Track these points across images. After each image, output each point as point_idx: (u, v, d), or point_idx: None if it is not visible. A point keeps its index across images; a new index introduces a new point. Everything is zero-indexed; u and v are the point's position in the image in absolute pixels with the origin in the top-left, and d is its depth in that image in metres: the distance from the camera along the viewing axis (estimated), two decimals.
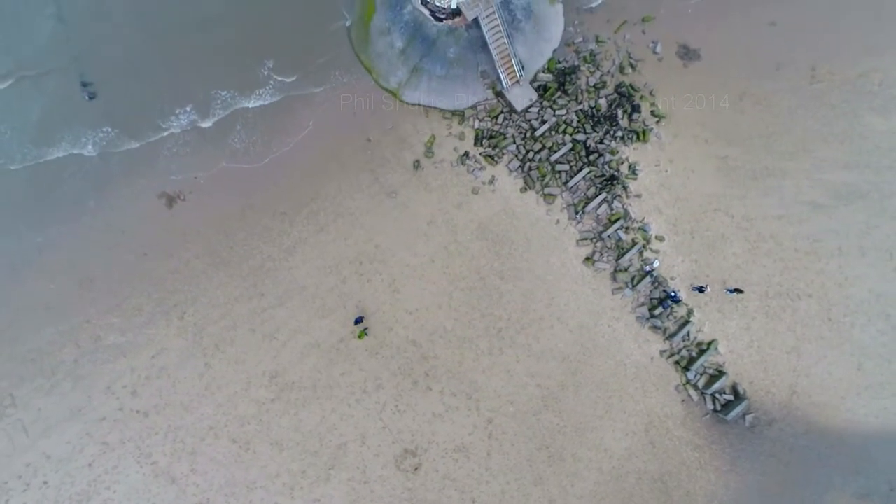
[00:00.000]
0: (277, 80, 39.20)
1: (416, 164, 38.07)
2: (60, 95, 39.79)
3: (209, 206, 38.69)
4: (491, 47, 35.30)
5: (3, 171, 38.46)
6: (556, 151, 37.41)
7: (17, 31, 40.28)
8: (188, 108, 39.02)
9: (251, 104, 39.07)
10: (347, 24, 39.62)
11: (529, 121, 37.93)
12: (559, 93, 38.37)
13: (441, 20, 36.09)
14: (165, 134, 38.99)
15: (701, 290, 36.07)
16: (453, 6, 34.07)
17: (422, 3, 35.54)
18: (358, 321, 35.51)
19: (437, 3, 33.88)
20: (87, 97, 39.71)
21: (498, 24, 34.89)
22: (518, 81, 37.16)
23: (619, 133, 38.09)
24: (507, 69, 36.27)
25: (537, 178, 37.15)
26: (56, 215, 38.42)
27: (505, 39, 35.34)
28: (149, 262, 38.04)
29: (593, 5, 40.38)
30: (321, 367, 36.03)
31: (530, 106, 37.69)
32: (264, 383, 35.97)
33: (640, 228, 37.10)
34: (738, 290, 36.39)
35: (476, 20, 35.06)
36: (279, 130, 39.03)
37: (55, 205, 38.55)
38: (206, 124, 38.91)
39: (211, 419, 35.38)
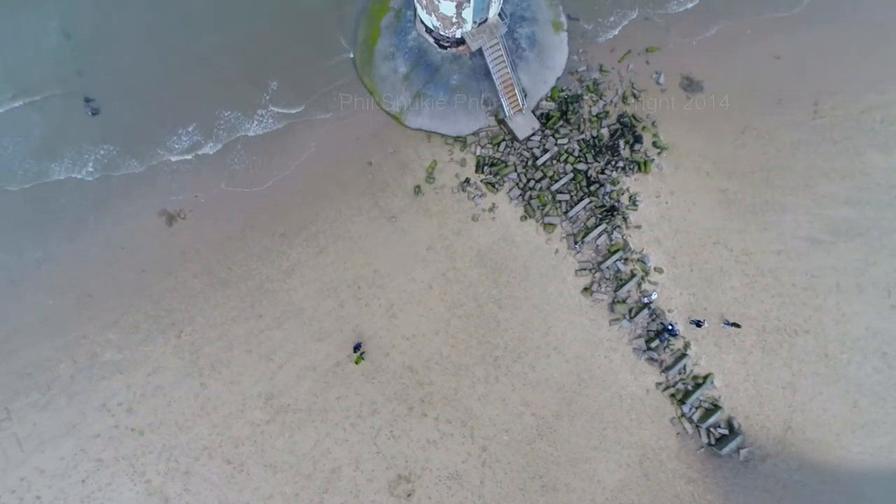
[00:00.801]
0: (280, 102, 41.27)
1: (417, 190, 39.93)
2: (63, 111, 41.92)
3: (209, 225, 40.55)
4: (494, 77, 37.27)
5: (4, 188, 40.11)
6: (557, 181, 39.30)
7: (21, 46, 42.13)
8: (190, 129, 41.06)
9: (253, 129, 40.75)
10: (350, 55, 41.43)
11: (531, 149, 39.85)
12: (561, 121, 40.21)
13: (445, 48, 38.07)
14: (167, 154, 40.61)
15: (698, 324, 37.83)
16: (458, 36, 35.86)
17: (426, 31, 37.39)
18: (356, 348, 37.16)
19: (442, 32, 35.69)
20: (90, 113, 41.49)
21: (502, 55, 36.88)
22: (521, 110, 39.07)
23: (621, 163, 39.98)
24: (509, 98, 38.23)
25: (538, 206, 39.02)
26: (56, 230, 40.56)
27: (508, 69, 37.33)
28: (147, 280, 39.82)
29: (601, 40, 42.08)
30: (317, 390, 37.77)
31: (532, 134, 39.39)
32: (259, 405, 37.67)
33: (639, 260, 38.89)
34: (736, 325, 38.13)
35: (480, 49, 36.90)
36: (281, 152, 41.10)
37: (55, 219, 40.68)
38: (208, 145, 40.94)
39: (205, 439, 37.10)
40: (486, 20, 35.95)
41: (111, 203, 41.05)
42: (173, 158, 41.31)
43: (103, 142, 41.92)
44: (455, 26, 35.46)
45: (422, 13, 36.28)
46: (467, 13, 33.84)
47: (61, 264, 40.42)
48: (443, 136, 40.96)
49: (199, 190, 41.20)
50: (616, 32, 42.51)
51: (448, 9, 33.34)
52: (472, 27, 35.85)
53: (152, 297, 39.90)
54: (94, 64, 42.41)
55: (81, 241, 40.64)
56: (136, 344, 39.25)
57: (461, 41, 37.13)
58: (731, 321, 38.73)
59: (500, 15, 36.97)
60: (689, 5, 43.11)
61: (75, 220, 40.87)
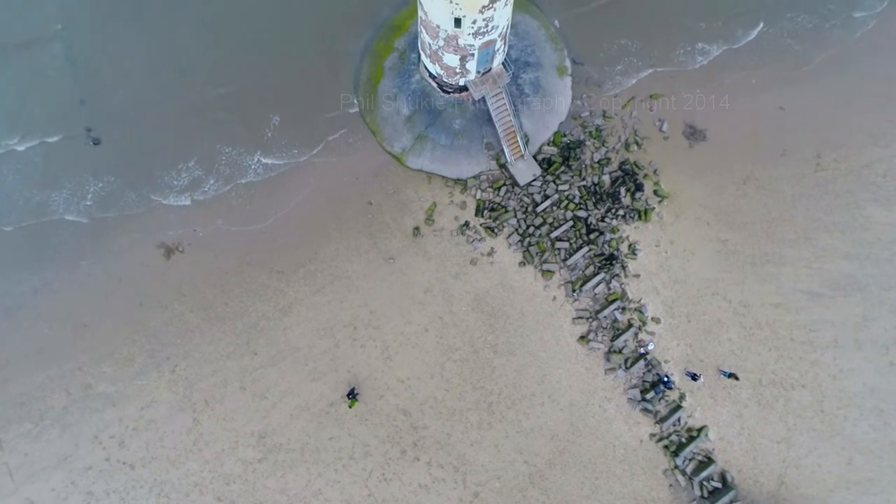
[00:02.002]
0: (282, 140, 43.99)
1: (416, 231, 42.60)
2: (64, 141, 44.33)
3: (207, 259, 43.46)
4: (496, 124, 40.11)
5: (2, 215, 43.29)
6: (556, 228, 42.06)
7: (24, 72, 44.79)
8: (191, 164, 43.90)
9: (253, 166, 43.44)
10: (354, 99, 44.22)
11: (532, 194, 42.57)
12: (563, 167, 42.89)
13: (448, 93, 40.70)
14: (167, 188, 43.35)
15: (694, 377, 40.38)
16: (461, 83, 38.57)
17: (429, 76, 40.09)
18: (350, 394, 39.52)
19: (445, 80, 38.40)
20: (91, 143, 44.12)
21: (505, 103, 39.45)
22: (522, 156, 41.59)
23: (621, 211, 42.67)
24: (511, 145, 41.08)
25: (536, 253, 41.69)
26: (54, 260, 43.94)
27: (511, 117, 39.99)
28: (144, 313, 42.57)
29: (613, 93, 44.73)
30: (310, 430, 40.32)
31: (533, 180, 42.02)
32: (252, 443, 40.24)
33: (636, 309, 41.45)
34: (734, 377, 40.47)
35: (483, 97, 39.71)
36: (281, 189, 44.28)
37: (53, 249, 43.83)
38: (209, 181, 43.65)
39: (197, 475, 39.65)
40: (489, 69, 38.61)
41: (109, 234, 44.06)
42: (173, 193, 43.94)
43: (103, 173, 44.99)
44: (458, 75, 38.16)
45: (425, 61, 39.03)
46: (471, 65, 36.61)
47: (58, 294, 43.27)
48: (443, 178, 43.57)
49: (198, 224, 43.88)
50: (627, 85, 45.10)
51: (452, 60, 36.10)
52: (476, 76, 38.52)
53: (148, 330, 42.57)
54: (97, 93, 45.30)
55: (78, 272, 43.56)
56: (130, 377, 41.90)
57: (464, 88, 39.77)
58: (730, 372, 40.96)
59: (503, 64, 39.62)
60: (703, 62, 45.67)
61: (73, 249, 43.97)
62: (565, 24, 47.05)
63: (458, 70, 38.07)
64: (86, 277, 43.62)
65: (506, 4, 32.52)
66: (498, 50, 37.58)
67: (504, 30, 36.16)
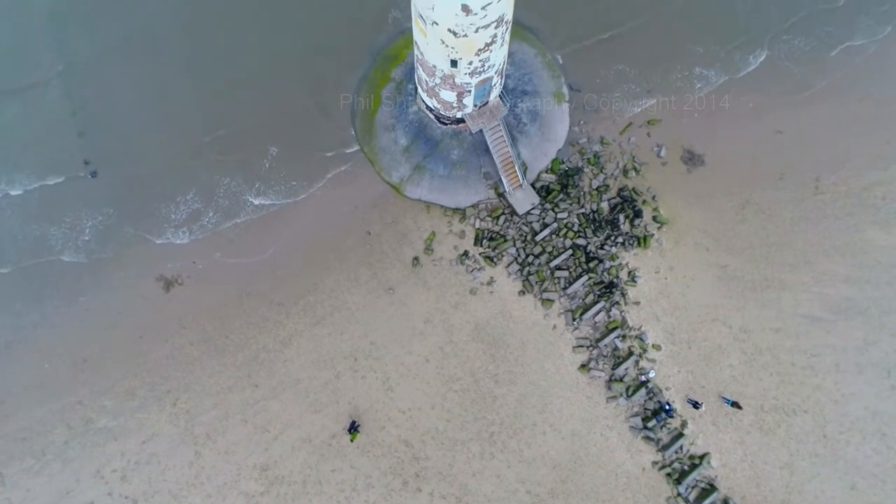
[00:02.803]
0: (280, 173, 45.81)
1: (416, 261, 44.44)
2: (62, 174, 46.04)
3: (206, 291, 45.40)
4: (494, 155, 42.07)
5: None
6: (556, 256, 43.93)
7: (23, 106, 46.64)
8: (189, 197, 45.60)
9: (251, 199, 45.26)
10: (352, 149, 46.69)
11: (530, 223, 44.47)
12: (562, 195, 44.67)
13: (445, 124, 42.53)
14: (165, 221, 45.20)
15: (696, 405, 42.14)
16: (458, 116, 40.38)
17: (427, 108, 41.90)
18: (352, 427, 41.16)
19: (443, 113, 40.23)
20: (89, 175, 45.92)
21: (502, 135, 41.28)
22: (521, 185, 43.39)
23: (621, 238, 44.50)
24: (509, 175, 43.10)
25: (536, 282, 43.56)
26: (53, 293, 45.40)
27: (508, 149, 41.81)
28: (144, 346, 44.47)
29: (611, 119, 46.65)
30: (312, 462, 42.08)
31: (532, 209, 43.77)
32: (254, 476, 42.03)
33: (637, 337, 43.25)
34: (737, 406, 42.07)
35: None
36: (279, 220, 46.22)
37: (52, 282, 45.23)
38: (207, 213, 45.19)
39: None
40: (486, 103, 40.42)
41: (108, 268, 46.14)
42: (171, 226, 45.65)
43: (101, 205, 46.46)
44: (455, 109, 39.99)
45: (422, 94, 40.85)
46: (468, 100, 38.45)
47: (57, 328, 45.26)
48: (442, 207, 45.42)
49: (197, 256, 45.62)
50: (625, 111, 47.35)
51: (449, 96, 37.93)
52: (473, 110, 40.33)
53: (148, 363, 44.45)
54: (94, 124, 47.26)
55: (77, 305, 45.57)
56: (131, 411, 43.69)
57: (462, 119, 41.57)
58: (734, 400, 42.56)
59: (500, 96, 41.44)
60: (701, 88, 47.56)
61: (72, 284, 45.90)
62: (567, 57, 49.07)
63: (455, 105, 39.91)
64: (85, 311, 45.50)
65: (501, 45, 34.35)
66: (494, 84, 39.40)
67: (501, 66, 37.99)
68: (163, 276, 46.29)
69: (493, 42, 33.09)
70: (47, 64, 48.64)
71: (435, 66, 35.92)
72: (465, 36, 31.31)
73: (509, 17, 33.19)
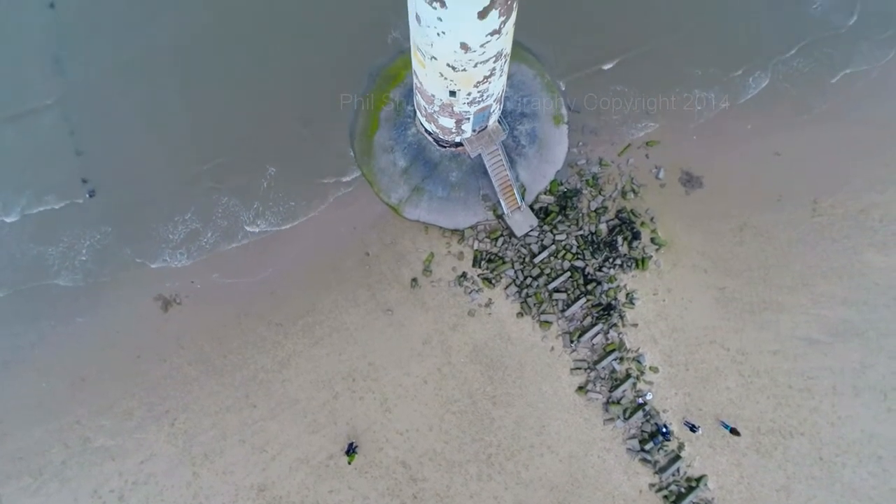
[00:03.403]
0: (279, 195, 47.36)
1: (414, 282, 45.89)
2: (60, 192, 47.40)
3: (205, 311, 46.91)
4: (493, 179, 43.62)
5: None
6: (554, 279, 45.50)
7: (20, 126, 48.07)
8: (187, 217, 46.94)
9: (250, 221, 46.74)
10: (350, 177, 48.64)
11: (529, 245, 46.01)
12: (560, 217, 46.07)
13: (444, 147, 43.94)
14: (163, 241, 46.71)
15: (693, 429, 43.60)
16: (457, 140, 41.82)
17: (425, 132, 43.33)
18: (350, 449, 42.51)
19: (441, 137, 41.68)
20: (87, 195, 47.25)
21: (501, 160, 42.73)
22: (519, 208, 44.83)
23: (619, 260, 46.00)
24: (508, 198, 44.64)
25: (534, 304, 44.92)
26: (51, 312, 46.77)
27: (507, 172, 43.28)
28: (142, 365, 45.88)
29: (610, 140, 48.37)
30: (309, 483, 43.54)
31: (530, 231, 45.18)
32: (252, 496, 43.54)
33: (634, 359, 44.74)
34: (736, 432, 43.46)
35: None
36: (278, 241, 47.52)
37: (50, 302, 46.40)
38: (206, 233, 46.67)
39: None
40: (485, 128, 41.86)
41: (106, 287, 47.72)
42: (169, 246, 47.08)
43: (99, 224, 47.73)
44: (454, 134, 41.42)
45: (421, 118, 42.27)
46: (467, 126, 39.90)
47: (55, 347, 46.75)
48: (440, 228, 46.86)
49: (195, 276, 46.99)
50: (624, 132, 49.02)
51: (447, 122, 39.37)
52: (472, 134, 41.77)
53: (146, 383, 45.91)
54: (92, 142, 48.77)
55: (75, 325, 47.06)
56: (129, 430, 45.15)
57: (461, 143, 43.01)
58: (732, 427, 43.93)
59: (499, 121, 42.87)
60: (700, 110, 49.17)
61: (70, 303, 47.08)
62: (570, 84, 51.05)
63: (453, 130, 41.37)
64: (83, 331, 47.02)
65: (500, 76, 35.78)
66: (493, 111, 40.84)
67: (500, 94, 39.43)
68: (161, 296, 47.70)
69: (491, 74, 34.55)
70: (45, 87, 50.02)
71: (434, 95, 37.37)
72: (464, 70, 32.78)
73: (508, 50, 34.65)
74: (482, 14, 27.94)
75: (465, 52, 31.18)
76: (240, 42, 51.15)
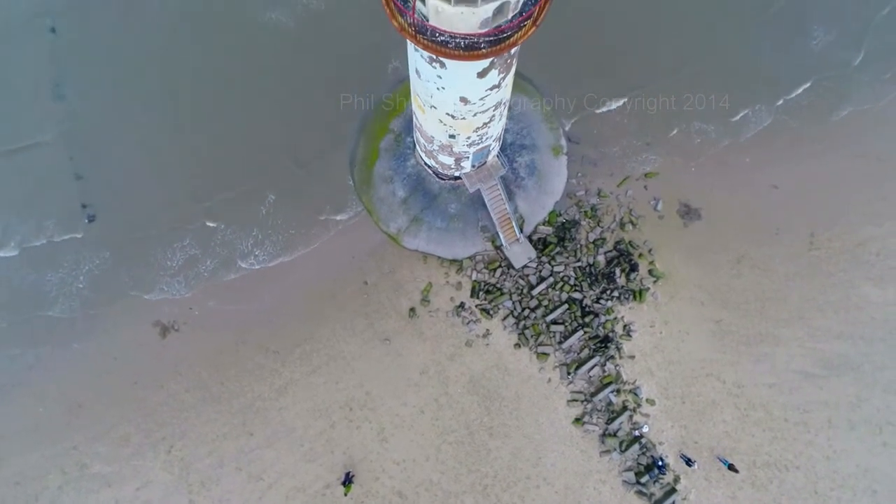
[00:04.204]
0: (278, 220, 49.20)
1: (412, 312, 47.79)
2: (59, 216, 49.14)
3: (203, 338, 48.87)
4: (491, 212, 45.59)
5: None
6: (552, 311, 47.36)
7: (21, 146, 50.04)
8: (186, 243, 48.74)
9: (249, 248, 48.64)
10: (347, 214, 50.85)
11: (527, 276, 47.84)
12: (558, 248, 48.01)
13: (443, 179, 45.79)
14: (161, 268, 48.60)
15: (689, 463, 45.47)
16: (456, 174, 43.71)
17: (425, 164, 45.21)
18: (346, 479, 44.31)
19: (440, 171, 43.56)
20: (86, 220, 49.02)
21: (499, 194, 44.61)
22: (517, 240, 46.69)
23: (616, 292, 47.82)
24: (506, 230, 46.56)
25: (531, 336, 46.86)
26: (48, 338, 48.63)
27: (506, 206, 45.18)
28: (139, 392, 47.75)
29: (609, 172, 50.55)
30: None
31: (529, 262, 47.06)
32: None
33: (631, 391, 46.64)
34: (734, 469, 45.31)
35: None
36: (277, 269, 49.00)
37: (47, 327, 48.09)
38: (204, 260, 48.50)
39: None
40: (484, 163, 43.73)
41: (104, 312, 49.45)
42: (168, 272, 48.95)
43: (98, 249, 49.46)
44: (454, 170, 43.30)
45: (420, 153, 44.14)
46: (466, 163, 41.77)
47: (52, 372, 48.62)
48: (439, 258, 48.67)
49: (194, 302, 48.70)
50: (623, 164, 51.22)
51: (447, 160, 41.23)
52: (471, 170, 43.64)
53: (143, 409, 47.82)
54: (92, 167, 50.62)
55: (73, 350, 49.00)
56: (125, 457, 47.03)
57: (460, 177, 44.93)
58: (730, 463, 45.84)
59: (499, 155, 44.75)
60: (699, 143, 51.34)
61: (66, 328, 48.80)
62: (575, 125, 53.56)
63: (452, 166, 43.25)
64: (80, 357, 48.92)
65: (500, 119, 37.65)
66: (493, 149, 42.73)
67: (499, 134, 41.30)
68: (159, 322, 49.59)
69: (491, 121, 36.46)
70: (46, 112, 51.96)
71: (433, 136, 39.22)
72: (464, 119, 34.64)
73: (507, 97, 36.51)
74: (482, 74, 29.84)
75: (465, 105, 33.06)
76: (242, 71, 53.21)
